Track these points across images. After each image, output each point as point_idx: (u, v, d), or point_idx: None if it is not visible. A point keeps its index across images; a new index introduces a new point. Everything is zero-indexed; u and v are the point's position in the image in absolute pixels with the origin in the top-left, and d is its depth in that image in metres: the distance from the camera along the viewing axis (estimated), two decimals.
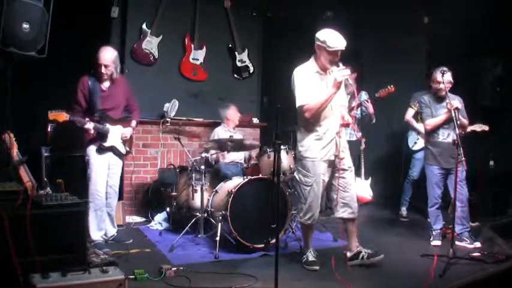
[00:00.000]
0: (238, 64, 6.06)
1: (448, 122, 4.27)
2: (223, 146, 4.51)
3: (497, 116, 5.65)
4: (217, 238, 3.91)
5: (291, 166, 4.55)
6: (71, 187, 3.10)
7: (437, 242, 4.38)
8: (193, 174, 4.55)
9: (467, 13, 5.46)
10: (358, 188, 5.85)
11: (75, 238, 2.72)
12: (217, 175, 4.82)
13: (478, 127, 4.70)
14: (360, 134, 5.59)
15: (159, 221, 4.97)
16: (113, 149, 4.09)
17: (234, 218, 3.92)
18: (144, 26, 5.44)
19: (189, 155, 4.96)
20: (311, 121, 3.60)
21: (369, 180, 6.01)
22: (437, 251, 3.99)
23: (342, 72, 3.45)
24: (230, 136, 4.76)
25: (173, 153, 5.66)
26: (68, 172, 4.07)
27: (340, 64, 3.50)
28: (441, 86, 4.27)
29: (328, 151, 3.63)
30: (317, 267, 3.62)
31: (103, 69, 3.91)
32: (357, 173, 5.84)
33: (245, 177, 4.23)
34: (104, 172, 4.04)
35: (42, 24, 3.76)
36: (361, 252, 3.73)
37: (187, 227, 4.26)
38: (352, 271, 3.61)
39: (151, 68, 5.53)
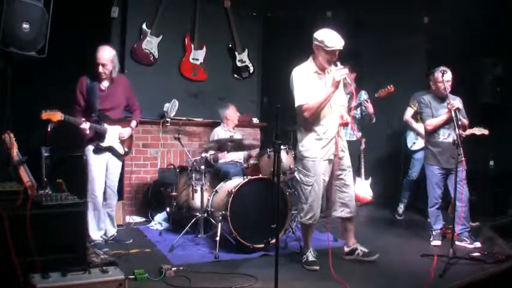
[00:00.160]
0: (238, 64, 6.06)
1: (448, 122, 4.27)
2: (223, 146, 4.51)
3: (497, 116, 5.65)
4: (217, 238, 3.91)
5: (291, 166, 4.56)
6: (71, 187, 3.10)
7: (437, 242, 4.38)
8: (193, 174, 4.55)
9: (467, 13, 5.45)
10: (358, 188, 5.88)
11: (75, 238, 2.71)
12: (217, 175, 4.82)
13: (478, 130, 4.69)
14: (359, 134, 5.59)
15: (159, 221, 4.97)
16: (110, 149, 4.07)
17: (234, 218, 3.92)
18: (144, 26, 5.44)
19: (189, 155, 4.96)
20: (310, 121, 3.61)
21: (369, 180, 6.01)
22: (437, 251, 3.99)
23: (340, 72, 3.46)
24: (230, 136, 4.76)
25: (173, 153, 5.66)
26: (68, 172, 4.06)
27: (338, 63, 3.51)
28: (441, 85, 4.27)
29: (328, 151, 3.64)
30: (317, 267, 3.63)
31: (100, 69, 3.90)
32: (357, 173, 5.85)
33: (245, 177, 4.23)
34: (101, 172, 4.03)
35: (42, 24, 3.76)
36: (357, 249, 3.85)
37: (187, 227, 4.26)
38: (352, 271, 3.62)
39: (151, 68, 5.53)
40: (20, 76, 3.92)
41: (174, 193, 4.74)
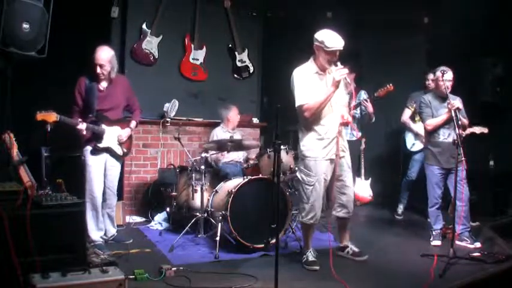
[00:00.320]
0: (238, 64, 6.06)
1: (448, 122, 4.27)
2: (223, 146, 4.51)
3: (498, 115, 5.65)
4: (217, 238, 3.91)
5: (291, 166, 4.56)
6: (71, 187, 3.10)
7: (437, 242, 4.38)
8: (193, 174, 4.55)
9: (467, 13, 5.46)
10: (358, 188, 5.88)
11: (75, 238, 2.72)
12: (217, 175, 4.82)
13: (478, 129, 4.70)
14: (359, 134, 5.59)
15: (159, 221, 4.97)
16: (109, 150, 4.05)
17: (234, 218, 3.92)
18: (144, 26, 5.44)
19: (189, 155, 4.96)
20: (311, 120, 3.62)
21: (369, 180, 6.01)
22: (437, 251, 3.99)
23: (340, 72, 3.49)
24: (230, 137, 4.76)
25: (173, 153, 5.66)
26: (67, 172, 4.06)
27: (339, 64, 3.53)
28: (442, 85, 4.27)
29: (329, 150, 3.65)
30: (317, 267, 3.63)
31: (99, 69, 3.88)
32: (357, 173, 5.85)
33: (245, 177, 4.23)
34: (99, 173, 4.01)
35: (42, 24, 3.76)
36: (347, 247, 3.94)
37: (187, 227, 4.26)
38: (352, 271, 3.62)
39: (151, 68, 5.53)
40: (20, 76, 3.91)
41: (174, 193, 4.74)
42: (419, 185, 5.60)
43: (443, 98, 4.35)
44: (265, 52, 6.38)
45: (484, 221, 5.04)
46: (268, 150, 4.58)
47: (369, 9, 6.19)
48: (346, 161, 3.78)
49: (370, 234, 4.77)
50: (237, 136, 5.07)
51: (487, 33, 5.62)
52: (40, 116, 3.59)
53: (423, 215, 5.31)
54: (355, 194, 5.71)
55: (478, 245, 4.24)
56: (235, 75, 6.10)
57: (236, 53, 6.03)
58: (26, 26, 3.62)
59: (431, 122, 4.39)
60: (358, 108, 5.45)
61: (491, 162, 5.69)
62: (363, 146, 6.00)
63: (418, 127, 5.40)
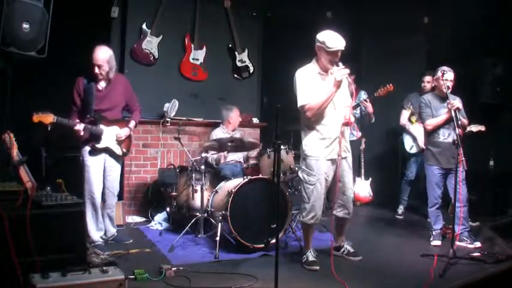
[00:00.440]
0: (238, 64, 6.06)
1: (448, 122, 4.27)
2: (223, 146, 4.51)
3: (497, 115, 5.66)
4: (217, 238, 3.91)
5: (291, 166, 4.55)
6: (70, 187, 3.10)
7: (437, 242, 4.38)
8: (193, 174, 4.55)
9: (467, 13, 5.46)
10: (358, 188, 5.89)
11: (75, 238, 2.72)
12: (217, 175, 4.82)
13: (475, 127, 4.72)
14: (359, 134, 5.60)
15: (159, 221, 4.97)
16: (107, 151, 4.03)
17: (234, 218, 3.92)
18: (144, 26, 5.44)
19: (189, 155, 4.96)
20: (313, 120, 3.63)
21: (369, 180, 6.02)
22: (437, 251, 3.99)
23: (341, 72, 3.49)
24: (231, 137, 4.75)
25: (173, 153, 5.66)
26: (67, 172, 4.06)
27: (340, 64, 3.54)
28: (442, 85, 4.27)
29: (331, 150, 3.66)
30: (317, 267, 3.63)
31: (97, 70, 3.87)
32: (357, 173, 5.86)
33: (245, 177, 4.23)
34: (98, 173, 4.00)
35: (42, 24, 3.76)
36: (343, 246, 3.96)
37: (187, 227, 4.26)
38: (352, 271, 3.62)
39: (151, 68, 5.53)
40: (20, 76, 3.91)
41: (174, 193, 4.74)
42: (419, 185, 5.62)
43: (443, 98, 4.35)
44: (265, 52, 6.38)
45: (484, 221, 5.04)
46: (268, 150, 4.58)
47: (369, 9, 6.19)
48: (348, 161, 3.78)
49: (370, 234, 4.77)
50: (237, 136, 5.06)
51: (487, 33, 5.63)
52: (36, 117, 3.57)
53: (423, 215, 5.32)
54: (355, 194, 5.73)
55: (478, 244, 4.24)
56: (235, 75, 6.09)
57: (236, 53, 6.03)
58: (26, 26, 3.62)
59: (431, 122, 4.39)
60: (358, 109, 5.45)
61: (491, 162, 5.69)
62: (363, 146, 6.01)
63: (416, 129, 5.47)
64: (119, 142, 4.09)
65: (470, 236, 4.33)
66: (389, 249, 4.32)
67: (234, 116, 5.32)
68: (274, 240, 3.32)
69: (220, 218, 4.01)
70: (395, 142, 6.07)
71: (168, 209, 4.90)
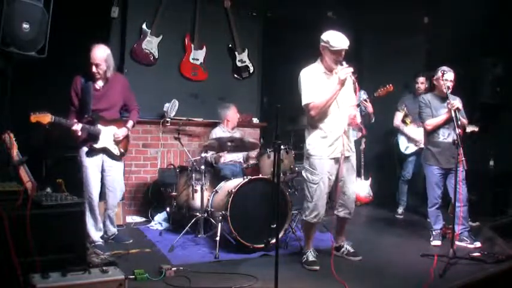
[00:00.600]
0: (238, 64, 6.06)
1: (448, 122, 4.27)
2: (223, 145, 4.51)
3: (497, 115, 5.65)
4: (217, 238, 3.91)
5: (291, 166, 4.55)
6: (70, 187, 3.10)
7: (437, 242, 4.38)
8: (193, 174, 4.55)
9: (467, 13, 5.46)
10: (358, 188, 5.88)
11: (75, 238, 2.72)
12: (217, 175, 4.82)
13: (468, 128, 4.74)
14: (360, 134, 5.60)
15: (159, 221, 4.97)
16: (105, 151, 4.00)
17: (234, 218, 3.92)
18: (144, 26, 5.44)
19: (189, 155, 4.96)
20: (317, 119, 3.64)
21: (369, 180, 6.01)
22: (437, 251, 3.99)
23: (345, 70, 3.52)
24: (230, 137, 4.75)
25: (173, 153, 5.66)
26: (67, 172, 4.06)
27: (344, 63, 3.57)
28: (442, 85, 4.28)
29: (334, 149, 3.67)
30: (317, 267, 3.63)
31: (94, 69, 3.85)
32: (357, 173, 5.85)
33: (245, 177, 4.22)
34: (96, 174, 3.97)
35: (42, 24, 3.76)
36: (343, 247, 3.98)
37: (187, 227, 4.26)
38: (352, 271, 3.62)
39: (151, 68, 5.53)
40: (20, 76, 3.91)
41: (174, 193, 4.74)
42: (417, 185, 5.62)
43: (443, 98, 4.35)
44: (265, 52, 6.38)
45: (484, 221, 5.04)
46: (268, 150, 4.58)
47: (369, 9, 6.18)
48: (351, 161, 3.79)
49: (370, 234, 4.76)
50: (237, 136, 5.06)
51: (487, 33, 5.62)
52: (34, 117, 3.55)
53: (423, 215, 5.31)
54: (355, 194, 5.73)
55: (477, 244, 4.24)
56: (235, 75, 6.09)
57: (236, 53, 6.03)
58: (26, 26, 3.63)
59: (431, 122, 4.39)
60: (358, 109, 5.45)
61: (491, 162, 5.69)
62: (363, 145, 6.01)
63: (410, 130, 5.51)
64: (117, 142, 4.07)
65: (470, 235, 4.33)
66: (389, 249, 4.32)
67: (232, 113, 5.32)
68: (274, 240, 3.32)
69: (220, 218, 4.00)
70: (394, 141, 6.07)
71: (168, 209, 4.90)
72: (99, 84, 3.97)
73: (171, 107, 5.43)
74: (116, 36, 5.37)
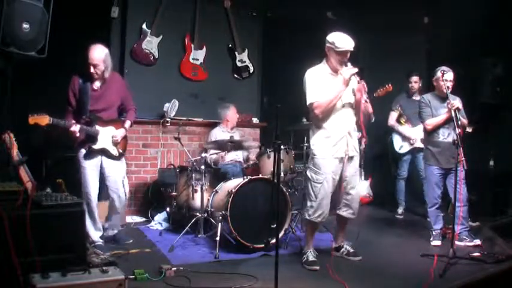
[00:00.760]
0: (238, 64, 6.06)
1: (448, 121, 4.28)
2: (223, 146, 4.51)
3: (497, 115, 5.65)
4: (217, 238, 3.91)
5: (291, 166, 4.55)
6: (70, 187, 3.10)
7: (437, 242, 4.38)
8: (193, 174, 4.55)
9: (467, 13, 5.46)
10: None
11: (75, 238, 2.71)
12: (217, 175, 4.82)
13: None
14: (359, 134, 5.58)
15: (159, 221, 4.97)
16: (104, 151, 3.98)
17: (234, 218, 3.92)
18: (144, 26, 5.44)
19: (189, 155, 4.96)
20: (321, 118, 3.65)
21: (369, 180, 6.01)
22: (437, 251, 3.99)
23: (350, 70, 3.56)
24: (231, 137, 4.75)
25: (173, 153, 5.66)
26: (67, 172, 4.05)
27: (349, 64, 3.59)
28: (442, 85, 4.28)
29: (338, 149, 3.68)
30: (317, 267, 3.63)
31: (92, 69, 3.83)
32: None
33: (245, 177, 4.23)
34: (94, 174, 3.95)
35: (42, 24, 3.76)
36: (343, 247, 3.98)
37: (187, 227, 4.26)
38: (352, 271, 3.62)
39: (151, 68, 5.53)
40: (20, 76, 3.91)
41: (174, 193, 4.74)
42: (415, 184, 5.62)
43: (442, 98, 4.35)
44: (265, 52, 6.38)
45: (484, 221, 5.04)
46: (268, 150, 4.58)
47: (369, 9, 6.18)
48: (355, 162, 3.79)
49: (370, 234, 4.76)
50: (236, 136, 5.07)
51: (487, 33, 5.62)
52: (32, 119, 3.53)
53: (423, 215, 5.31)
54: None
55: (477, 242, 4.25)
56: (235, 75, 6.10)
57: (236, 53, 6.03)
58: (26, 26, 3.62)
59: (431, 122, 4.39)
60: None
61: (491, 162, 5.70)
62: (363, 146, 6.00)
63: (405, 129, 5.52)
64: (115, 143, 4.05)
65: (469, 234, 4.34)
66: (389, 249, 4.32)
67: (231, 113, 5.32)
68: (274, 240, 3.32)
69: (220, 218, 4.00)
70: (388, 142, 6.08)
71: (168, 209, 4.90)
72: (97, 84, 3.95)
73: (171, 107, 5.43)
74: (116, 36, 5.37)
